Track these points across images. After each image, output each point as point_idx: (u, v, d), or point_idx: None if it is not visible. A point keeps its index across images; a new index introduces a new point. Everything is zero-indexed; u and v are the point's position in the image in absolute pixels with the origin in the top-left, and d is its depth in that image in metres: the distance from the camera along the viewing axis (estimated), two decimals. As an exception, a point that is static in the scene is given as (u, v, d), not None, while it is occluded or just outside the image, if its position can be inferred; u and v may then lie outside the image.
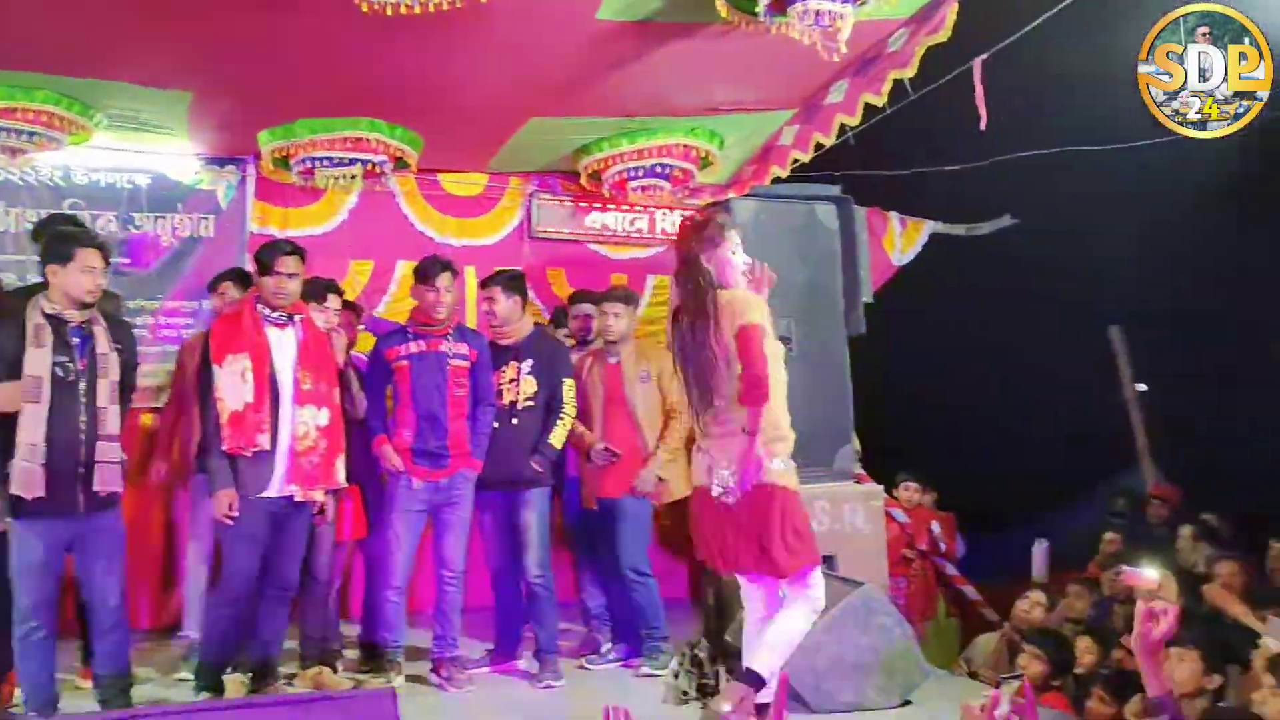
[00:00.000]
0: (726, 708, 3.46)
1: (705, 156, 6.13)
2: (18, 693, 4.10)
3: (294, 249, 4.35)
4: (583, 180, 6.45)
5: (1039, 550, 6.45)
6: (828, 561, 4.96)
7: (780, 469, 3.57)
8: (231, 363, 4.19)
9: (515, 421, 4.77)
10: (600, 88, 5.35)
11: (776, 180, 6.17)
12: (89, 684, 4.35)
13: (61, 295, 3.88)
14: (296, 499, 4.27)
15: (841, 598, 4.27)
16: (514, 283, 4.96)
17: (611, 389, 5.01)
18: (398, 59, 4.87)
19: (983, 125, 4.73)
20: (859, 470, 5.58)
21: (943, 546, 6.54)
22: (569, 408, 4.82)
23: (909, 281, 7.25)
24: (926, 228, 7.34)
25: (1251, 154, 7.79)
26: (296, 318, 4.39)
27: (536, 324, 5.21)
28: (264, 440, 4.18)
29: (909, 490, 6.67)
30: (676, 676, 4.41)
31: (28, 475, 3.73)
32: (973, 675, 5.11)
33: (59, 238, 4.05)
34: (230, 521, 4.16)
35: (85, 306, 3.92)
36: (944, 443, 7.89)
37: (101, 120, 5.42)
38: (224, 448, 4.15)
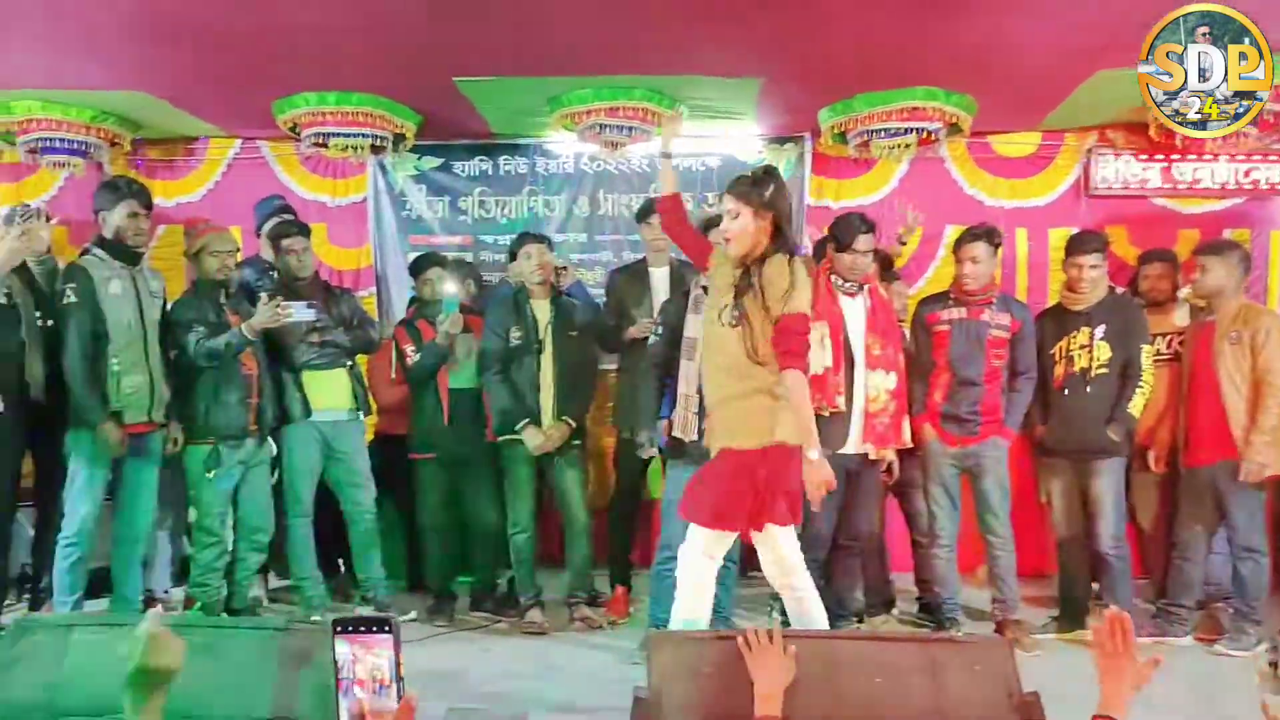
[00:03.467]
0: None
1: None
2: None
3: (871, 226, 4.62)
4: (1152, 131, 6.02)
5: None
6: None
7: None
8: (811, 330, 4.54)
9: (1089, 389, 4.68)
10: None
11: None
12: None
13: None
14: (871, 457, 4.56)
15: None
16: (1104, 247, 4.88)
17: (1198, 353, 4.71)
18: (953, 28, 4.90)
19: None
20: None
21: None
22: (1148, 375, 4.63)
23: None
24: None
25: None
26: (865, 287, 4.66)
27: (1110, 287, 5.02)
28: (841, 402, 4.50)
29: None
30: (1274, 665, 4.05)
31: (683, 421, 4.33)
32: None
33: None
34: (811, 476, 4.53)
35: None
36: None
37: (684, 111, 6.07)
38: (807, 407, 4.53)
